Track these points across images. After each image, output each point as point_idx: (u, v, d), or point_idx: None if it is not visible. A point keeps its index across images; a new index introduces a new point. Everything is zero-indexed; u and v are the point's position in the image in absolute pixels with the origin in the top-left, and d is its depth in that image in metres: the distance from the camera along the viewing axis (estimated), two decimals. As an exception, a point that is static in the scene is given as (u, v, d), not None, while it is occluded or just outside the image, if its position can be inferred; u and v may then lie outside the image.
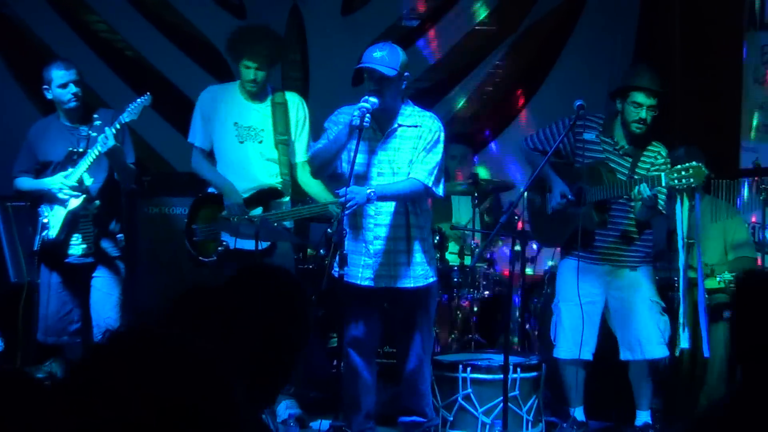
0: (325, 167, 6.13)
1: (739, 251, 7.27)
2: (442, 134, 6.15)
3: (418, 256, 6.21)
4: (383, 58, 5.96)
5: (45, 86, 6.75)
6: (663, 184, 6.05)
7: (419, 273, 6.22)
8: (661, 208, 6.32)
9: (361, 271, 6.16)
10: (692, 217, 6.21)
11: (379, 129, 6.11)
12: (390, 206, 6.12)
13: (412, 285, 6.20)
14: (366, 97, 5.93)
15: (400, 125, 6.11)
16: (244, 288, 2.93)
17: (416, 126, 6.11)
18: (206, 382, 1.66)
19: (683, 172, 5.96)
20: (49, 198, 6.65)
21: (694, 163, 5.98)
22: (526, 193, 6.68)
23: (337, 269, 5.90)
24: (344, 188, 5.85)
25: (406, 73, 6.05)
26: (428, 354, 6.40)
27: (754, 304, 2.97)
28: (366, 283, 6.17)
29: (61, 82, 6.68)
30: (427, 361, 6.38)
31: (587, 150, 6.51)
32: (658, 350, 6.52)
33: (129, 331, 1.71)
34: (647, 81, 6.45)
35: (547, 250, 8.08)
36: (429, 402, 6.43)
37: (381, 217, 6.13)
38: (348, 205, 5.82)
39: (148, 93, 6.60)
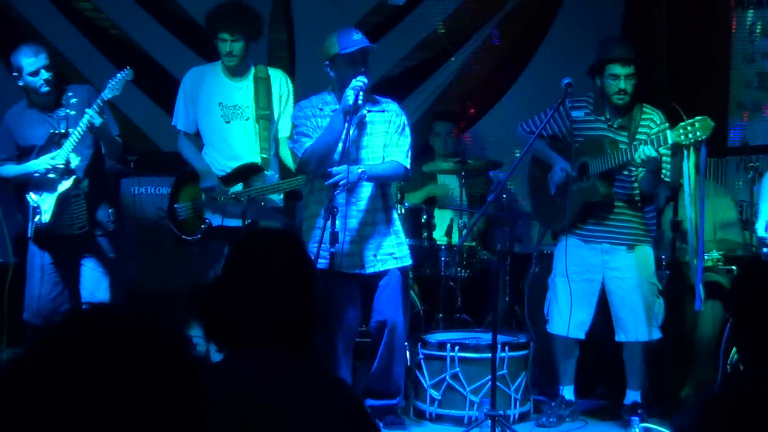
0: (325, 161, 6.05)
1: (726, 232, 7.27)
2: (405, 117, 6.28)
3: (398, 238, 6.27)
4: (364, 38, 6.04)
5: (15, 74, 6.63)
6: (670, 142, 6.00)
7: (403, 254, 6.28)
8: (663, 175, 6.30)
9: (348, 260, 6.12)
10: (698, 173, 6.17)
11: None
12: (367, 190, 6.14)
13: (395, 266, 6.22)
14: (357, 77, 5.92)
15: (369, 110, 6.14)
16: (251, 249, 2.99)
17: (383, 111, 6.20)
18: (170, 365, 1.63)
19: (689, 127, 5.89)
20: (37, 183, 6.59)
21: (698, 117, 5.94)
22: (522, 176, 6.69)
23: (328, 247, 5.84)
24: (336, 167, 5.86)
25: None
26: (405, 330, 6.38)
27: (755, 291, 2.97)
28: (356, 270, 6.16)
29: (31, 70, 6.53)
30: (403, 339, 6.36)
31: (583, 127, 6.51)
32: (651, 333, 6.53)
33: (81, 314, 1.68)
34: (620, 51, 6.48)
35: (535, 229, 8.08)
36: (402, 383, 6.42)
37: (362, 202, 6.15)
38: (341, 183, 5.81)
39: (128, 67, 6.55)
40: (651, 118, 6.48)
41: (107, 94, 6.45)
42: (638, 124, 6.47)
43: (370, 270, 6.18)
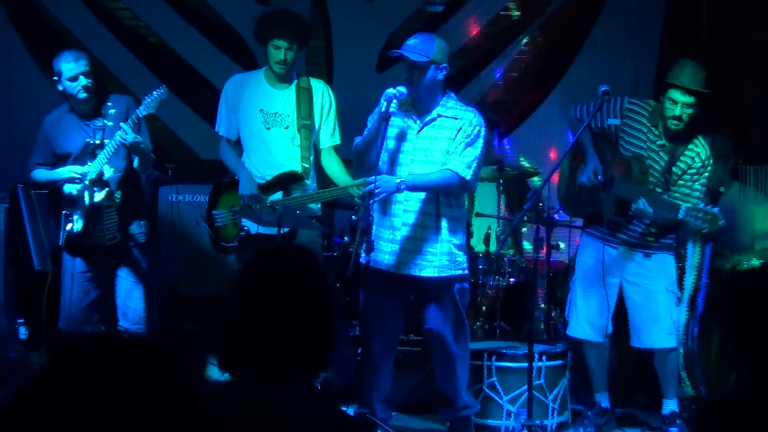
0: (362, 159, 6.05)
1: (766, 241, 7.19)
2: (483, 129, 6.06)
3: (445, 247, 6.09)
4: (415, 45, 5.93)
5: (55, 78, 6.66)
6: (680, 216, 5.99)
7: (444, 263, 6.09)
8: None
9: (386, 257, 6.09)
10: (700, 267, 6.20)
11: (417, 117, 6.06)
12: (422, 193, 6.06)
13: (435, 275, 6.09)
14: (398, 86, 5.89)
15: (439, 115, 6.03)
16: (263, 266, 2.86)
17: (456, 118, 6.03)
18: (168, 390, 1.63)
19: (700, 214, 5.92)
20: (69, 198, 6.60)
21: (715, 210, 5.93)
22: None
23: (363, 255, 5.84)
24: (373, 176, 5.81)
25: (443, 64, 5.97)
26: (458, 343, 6.22)
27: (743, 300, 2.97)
28: (388, 268, 6.09)
29: (70, 75, 6.56)
30: (455, 351, 6.21)
31: (629, 133, 6.43)
32: (665, 340, 6.49)
33: (89, 338, 1.68)
34: (683, 78, 6.30)
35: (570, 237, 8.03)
36: (459, 389, 6.28)
37: (410, 203, 6.05)
38: (376, 192, 5.78)
39: (164, 85, 6.54)
40: (697, 153, 6.37)
41: (142, 110, 6.45)
42: (682, 153, 6.38)
43: (405, 271, 6.09)
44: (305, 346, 2.72)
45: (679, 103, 6.27)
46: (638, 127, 6.46)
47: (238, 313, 2.75)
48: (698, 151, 6.38)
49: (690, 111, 6.28)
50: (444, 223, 6.08)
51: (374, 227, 6.02)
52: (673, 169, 6.36)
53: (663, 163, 6.37)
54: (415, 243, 6.06)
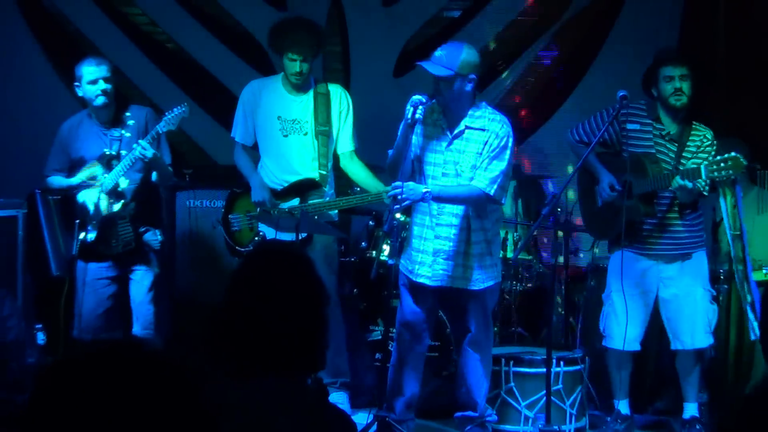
0: (393, 169, 6.04)
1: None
2: (511, 140, 6.02)
3: (478, 260, 6.12)
4: (441, 57, 5.87)
5: (76, 83, 6.68)
6: (703, 177, 6.02)
7: (477, 276, 6.13)
8: (703, 192, 6.26)
9: (420, 268, 6.13)
10: (736, 211, 6.18)
11: (447, 128, 6.04)
12: (453, 207, 6.06)
13: (468, 287, 6.13)
14: (422, 93, 5.88)
15: (467, 127, 5.99)
16: (257, 265, 2.88)
17: (483, 129, 5.98)
18: (176, 393, 1.62)
19: (722, 164, 5.96)
20: (83, 209, 6.62)
21: (732, 153, 5.95)
22: (575, 184, 6.67)
23: (387, 258, 5.84)
24: (400, 182, 5.81)
25: (471, 75, 5.91)
26: (482, 350, 6.29)
27: None
28: (422, 280, 6.13)
29: (90, 79, 6.60)
30: (479, 356, 6.27)
31: (634, 139, 6.46)
32: (704, 339, 6.49)
33: (97, 345, 1.68)
34: (670, 54, 6.56)
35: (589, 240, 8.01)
36: (480, 396, 6.33)
37: (443, 217, 6.07)
38: (400, 198, 5.78)
39: (186, 104, 6.56)
40: (704, 134, 6.46)
41: (162, 127, 6.47)
42: (689, 136, 6.42)
43: (435, 284, 6.14)
44: (297, 346, 2.72)
45: (675, 77, 6.39)
46: (641, 128, 6.50)
47: (230, 312, 2.76)
48: (704, 132, 6.47)
49: (688, 82, 6.40)
50: (476, 237, 6.10)
51: (412, 240, 6.14)
52: (684, 153, 6.40)
53: (672, 154, 6.41)
54: (448, 256, 6.09)
